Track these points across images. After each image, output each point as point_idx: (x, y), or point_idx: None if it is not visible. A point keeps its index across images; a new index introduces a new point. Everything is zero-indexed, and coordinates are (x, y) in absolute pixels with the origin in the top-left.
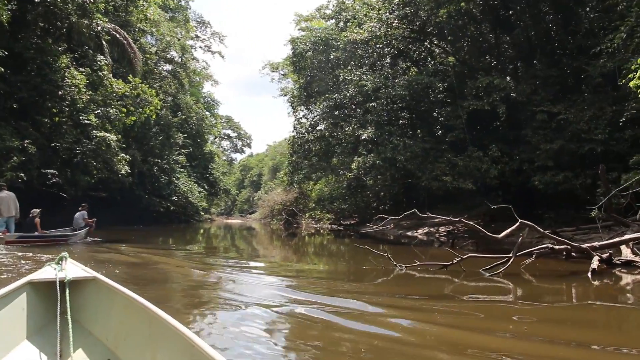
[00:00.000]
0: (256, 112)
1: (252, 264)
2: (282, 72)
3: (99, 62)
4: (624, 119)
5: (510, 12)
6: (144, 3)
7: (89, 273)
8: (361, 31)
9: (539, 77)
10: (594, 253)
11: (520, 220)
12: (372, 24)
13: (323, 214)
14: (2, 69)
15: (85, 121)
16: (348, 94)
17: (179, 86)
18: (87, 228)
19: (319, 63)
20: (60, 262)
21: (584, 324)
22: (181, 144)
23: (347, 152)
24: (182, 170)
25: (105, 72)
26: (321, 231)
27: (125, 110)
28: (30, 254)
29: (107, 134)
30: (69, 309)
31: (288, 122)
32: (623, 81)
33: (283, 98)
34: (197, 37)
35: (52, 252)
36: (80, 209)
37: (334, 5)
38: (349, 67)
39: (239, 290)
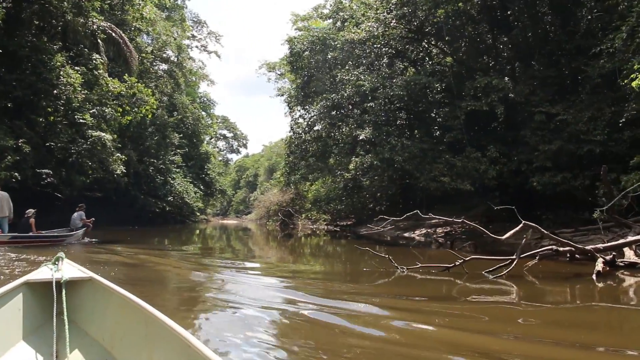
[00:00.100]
0: (252, 112)
1: (248, 264)
2: (279, 72)
3: (94, 61)
4: (623, 120)
5: (509, 13)
6: (140, 2)
7: (85, 273)
8: (359, 31)
9: (537, 77)
10: (598, 255)
11: (523, 221)
12: (369, 24)
13: (319, 215)
14: None
15: (81, 120)
16: (345, 94)
17: (175, 86)
18: (84, 228)
19: (316, 63)
20: (56, 263)
21: (588, 325)
22: (177, 144)
23: (345, 153)
24: (178, 170)
25: (100, 71)
26: (317, 232)
27: (121, 109)
28: (24, 255)
29: (103, 134)
30: (65, 310)
31: (284, 123)
32: (625, 81)
33: (279, 98)
34: (193, 36)
35: (47, 253)
36: (77, 209)
37: (331, 5)
38: (347, 67)
39: (235, 290)
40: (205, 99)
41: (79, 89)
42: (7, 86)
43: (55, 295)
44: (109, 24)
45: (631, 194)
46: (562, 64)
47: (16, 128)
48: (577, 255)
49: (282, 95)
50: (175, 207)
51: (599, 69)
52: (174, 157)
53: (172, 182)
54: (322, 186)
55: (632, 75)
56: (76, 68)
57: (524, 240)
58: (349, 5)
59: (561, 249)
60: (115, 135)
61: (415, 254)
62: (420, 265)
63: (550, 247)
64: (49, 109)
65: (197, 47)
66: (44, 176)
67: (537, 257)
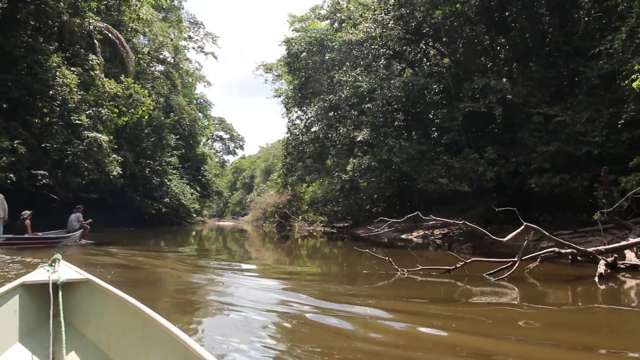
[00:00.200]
0: (249, 114)
1: (244, 266)
2: (276, 73)
3: (90, 62)
4: (622, 121)
5: (506, 14)
6: (137, 2)
7: (82, 275)
8: (356, 32)
9: (535, 78)
10: (600, 257)
11: (525, 223)
12: (367, 25)
13: (316, 217)
14: None
15: (77, 121)
16: (343, 95)
17: (172, 87)
18: (81, 230)
19: (313, 64)
20: (53, 264)
21: (590, 327)
22: (173, 146)
23: (342, 154)
24: (174, 171)
25: (97, 72)
26: (314, 234)
27: (117, 110)
28: (19, 258)
29: (99, 135)
30: (62, 311)
31: (281, 124)
32: (626, 82)
33: (275, 100)
34: (190, 37)
35: (42, 255)
36: (75, 210)
37: (328, 6)
38: (344, 68)
39: (232, 292)
40: (201, 100)
41: (75, 89)
42: (3, 87)
43: (51, 297)
44: (105, 24)
45: (632, 196)
46: (560, 65)
47: (11, 129)
48: (578, 258)
49: (279, 96)
50: (172, 209)
51: (597, 70)
52: (170, 159)
53: (168, 183)
54: (319, 188)
55: (632, 76)
56: (72, 69)
57: (525, 242)
58: (347, 7)
59: (563, 251)
60: (111, 137)
61: (414, 256)
62: (420, 267)
63: (552, 249)
64: (45, 110)
65: (193, 48)
66: (39, 177)
67: (539, 259)
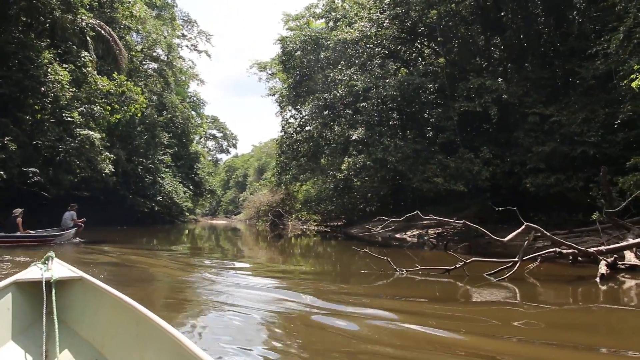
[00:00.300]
0: (242, 112)
1: (237, 264)
2: (270, 72)
3: (83, 59)
4: (619, 121)
5: (502, 14)
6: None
7: (75, 273)
8: (351, 31)
9: (530, 79)
10: (601, 258)
11: (525, 223)
12: (362, 24)
13: (310, 216)
14: None
15: (69, 118)
16: (338, 94)
17: (165, 85)
18: (75, 228)
19: (308, 62)
20: (46, 262)
21: (591, 327)
22: (166, 144)
23: (337, 153)
24: (167, 170)
25: (89, 69)
26: (308, 232)
27: (109, 108)
28: (8, 257)
29: (91, 132)
30: (55, 309)
31: (274, 123)
32: (625, 82)
33: (269, 99)
34: (183, 35)
35: (33, 254)
36: (69, 208)
37: (324, 5)
38: (339, 67)
39: (225, 290)
40: (195, 99)
41: (67, 86)
42: None
43: (45, 295)
44: (98, 21)
45: (630, 197)
46: (556, 65)
47: (2, 126)
48: (579, 258)
49: (274, 95)
50: (164, 207)
51: (593, 71)
52: (163, 157)
53: (161, 181)
54: (312, 187)
55: (632, 76)
56: (64, 65)
57: (526, 243)
58: (342, 5)
59: (565, 251)
60: (103, 134)
61: (410, 255)
62: (420, 267)
63: (554, 249)
64: (36, 107)
65: (187, 46)
66: (30, 175)
67: (539, 260)
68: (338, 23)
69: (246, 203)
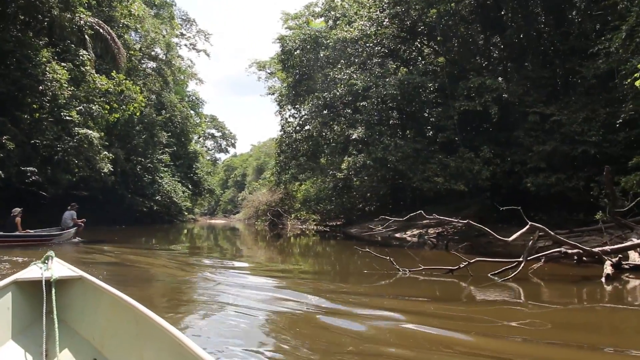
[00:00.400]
0: (240, 112)
1: (236, 264)
2: (269, 71)
3: (81, 57)
4: (620, 121)
5: (502, 13)
6: None
7: (75, 272)
8: (351, 29)
9: (531, 78)
10: (606, 258)
11: (530, 222)
12: (362, 22)
13: (309, 215)
14: None
15: (67, 117)
16: (338, 93)
17: (164, 84)
18: (75, 228)
19: (307, 61)
20: (46, 261)
21: (595, 327)
22: (165, 143)
23: (337, 152)
24: (165, 169)
25: (87, 68)
26: (307, 232)
27: (108, 107)
28: (6, 257)
29: (90, 131)
30: (55, 309)
31: (273, 123)
32: (628, 80)
33: (267, 98)
34: (182, 34)
35: (32, 254)
36: (69, 208)
37: (323, 3)
38: (339, 66)
39: (224, 290)
40: (193, 98)
41: (65, 85)
42: None
43: (44, 294)
44: (96, 20)
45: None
46: (556, 64)
47: (0, 125)
48: (584, 258)
49: (273, 94)
50: (163, 207)
51: (594, 70)
52: (162, 156)
53: (159, 181)
54: (311, 186)
55: (635, 75)
56: (62, 64)
57: (530, 242)
58: (341, 4)
59: (570, 251)
60: (102, 133)
61: (411, 255)
62: (423, 267)
63: (558, 249)
64: (34, 106)
65: (185, 45)
66: (28, 174)
67: (543, 260)
68: (338, 22)
69: (245, 202)
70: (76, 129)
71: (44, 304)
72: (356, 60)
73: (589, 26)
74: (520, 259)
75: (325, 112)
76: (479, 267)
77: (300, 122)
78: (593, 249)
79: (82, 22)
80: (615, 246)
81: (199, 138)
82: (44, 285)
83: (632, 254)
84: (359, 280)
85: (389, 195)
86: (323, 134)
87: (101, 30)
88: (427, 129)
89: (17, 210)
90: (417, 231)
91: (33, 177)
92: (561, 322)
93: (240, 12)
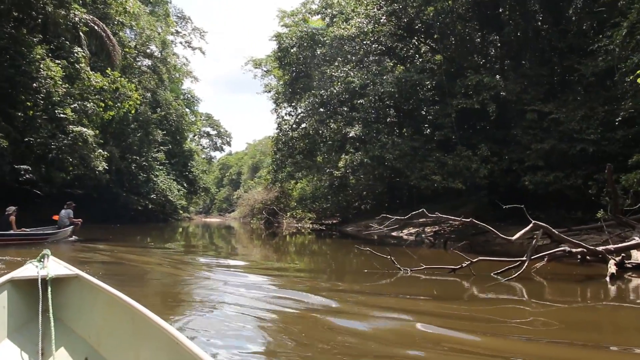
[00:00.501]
0: (236, 109)
1: (231, 262)
2: (265, 69)
3: (76, 54)
4: (619, 119)
5: (499, 11)
6: None
7: (71, 271)
8: (348, 27)
9: (528, 75)
10: (610, 257)
11: (533, 221)
12: (359, 20)
13: (304, 213)
14: None
15: (61, 115)
16: (334, 91)
17: (159, 82)
18: (71, 227)
19: (304, 59)
20: (42, 260)
21: (599, 325)
22: (160, 141)
23: (334, 150)
24: (160, 167)
25: (82, 65)
26: (302, 230)
27: (103, 104)
28: (0, 257)
29: (84, 129)
30: (50, 307)
31: (268, 121)
32: (630, 77)
33: (263, 96)
34: (177, 32)
35: (27, 253)
36: (65, 206)
37: (319, 1)
38: (336, 64)
39: (220, 288)
40: (189, 96)
41: (60, 82)
42: None
43: (40, 293)
44: (91, 17)
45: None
46: (554, 62)
47: None
48: (587, 257)
49: (269, 91)
50: (158, 205)
51: (592, 68)
52: (157, 154)
53: (155, 179)
54: (307, 184)
55: (638, 72)
56: (57, 61)
57: (534, 241)
58: (338, 2)
59: (574, 250)
60: (97, 131)
61: (409, 254)
62: (425, 266)
63: (562, 248)
64: (28, 103)
65: (181, 43)
66: (22, 172)
67: (546, 259)
68: (334, 19)
69: (240, 201)
70: (70, 126)
71: (40, 303)
72: (353, 57)
73: (587, 24)
74: (524, 258)
75: (322, 110)
76: (480, 266)
77: (297, 120)
78: (597, 248)
79: (76, 19)
80: (618, 245)
81: (194, 136)
82: (39, 284)
83: (635, 253)
84: (361, 280)
85: (385, 193)
86: (320, 132)
87: (96, 28)
88: (424, 126)
89: (12, 208)
90: (414, 230)
91: (27, 176)
92: (566, 321)
93: (240, 12)
